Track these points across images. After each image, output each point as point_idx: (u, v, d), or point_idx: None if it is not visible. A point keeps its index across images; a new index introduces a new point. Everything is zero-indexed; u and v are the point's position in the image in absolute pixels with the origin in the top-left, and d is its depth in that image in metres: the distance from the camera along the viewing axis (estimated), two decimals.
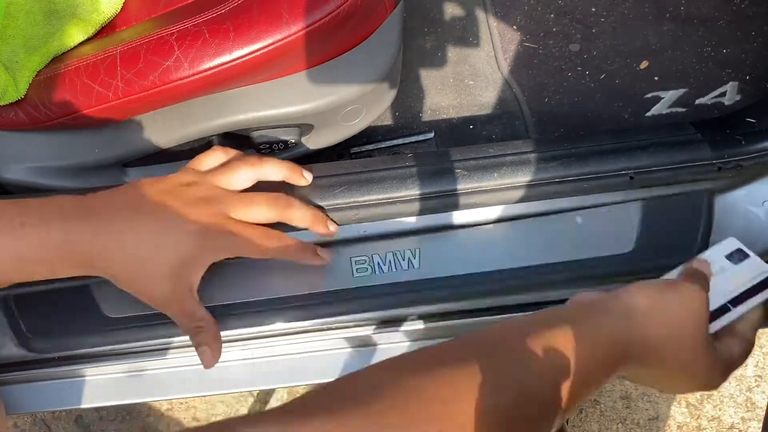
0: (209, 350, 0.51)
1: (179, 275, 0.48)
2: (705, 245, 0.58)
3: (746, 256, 0.50)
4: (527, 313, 0.43)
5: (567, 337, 0.39)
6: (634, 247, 0.58)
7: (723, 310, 0.49)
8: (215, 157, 0.54)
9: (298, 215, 0.53)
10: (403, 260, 0.58)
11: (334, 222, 0.56)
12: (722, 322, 0.49)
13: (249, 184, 0.52)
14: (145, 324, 0.56)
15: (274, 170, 0.53)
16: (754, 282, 0.49)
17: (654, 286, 0.44)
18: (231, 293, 0.56)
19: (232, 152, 0.55)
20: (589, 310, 0.42)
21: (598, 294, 0.45)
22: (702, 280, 0.47)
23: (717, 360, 0.44)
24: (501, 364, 0.37)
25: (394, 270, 0.58)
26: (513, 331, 0.40)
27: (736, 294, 0.49)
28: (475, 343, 0.39)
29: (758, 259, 0.50)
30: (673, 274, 0.50)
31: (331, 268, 0.57)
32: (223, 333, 0.57)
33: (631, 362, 0.42)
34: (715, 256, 0.51)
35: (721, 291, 0.49)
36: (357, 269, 0.58)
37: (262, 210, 0.51)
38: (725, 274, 0.50)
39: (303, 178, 0.55)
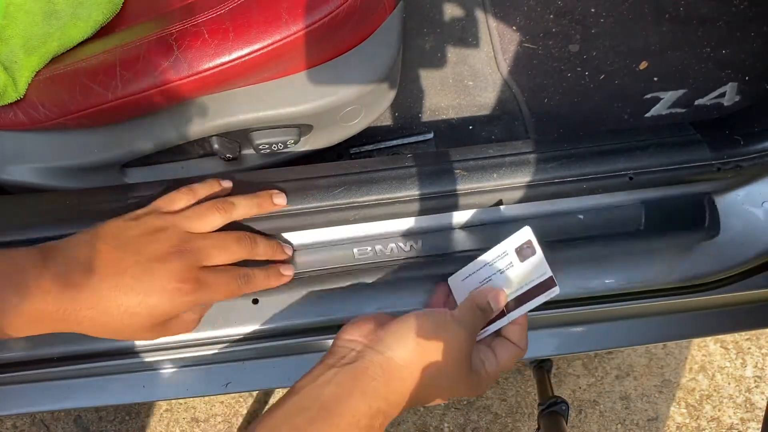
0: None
1: (154, 329, 0.48)
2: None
3: (534, 252, 0.50)
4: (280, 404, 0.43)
5: None
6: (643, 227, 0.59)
7: (498, 315, 0.51)
8: (185, 198, 0.53)
9: (262, 251, 0.54)
10: (405, 246, 0.59)
11: (290, 244, 0.58)
12: (494, 327, 0.51)
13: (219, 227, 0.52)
14: None
15: (245, 211, 0.53)
16: (534, 284, 0.50)
17: (413, 337, 0.45)
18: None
19: (200, 192, 0.54)
20: (349, 386, 0.42)
21: (361, 343, 0.46)
22: (477, 312, 0.49)
23: (482, 377, 0.48)
24: None
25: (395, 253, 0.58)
26: None
27: (515, 296, 0.51)
28: None
29: (542, 257, 0.50)
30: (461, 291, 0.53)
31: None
32: (222, 332, 0.58)
33: (405, 405, 0.45)
34: (508, 247, 0.51)
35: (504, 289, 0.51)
36: (359, 253, 0.59)
37: (232, 254, 0.51)
38: (511, 270, 0.51)
39: (273, 204, 0.55)
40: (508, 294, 0.51)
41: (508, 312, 0.51)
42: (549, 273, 0.50)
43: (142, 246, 0.47)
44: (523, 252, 0.51)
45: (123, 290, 0.45)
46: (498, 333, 0.52)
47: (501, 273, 0.51)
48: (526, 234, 0.51)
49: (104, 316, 0.45)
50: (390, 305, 0.57)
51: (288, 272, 0.56)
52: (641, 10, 0.87)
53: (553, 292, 0.49)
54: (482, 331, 0.51)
